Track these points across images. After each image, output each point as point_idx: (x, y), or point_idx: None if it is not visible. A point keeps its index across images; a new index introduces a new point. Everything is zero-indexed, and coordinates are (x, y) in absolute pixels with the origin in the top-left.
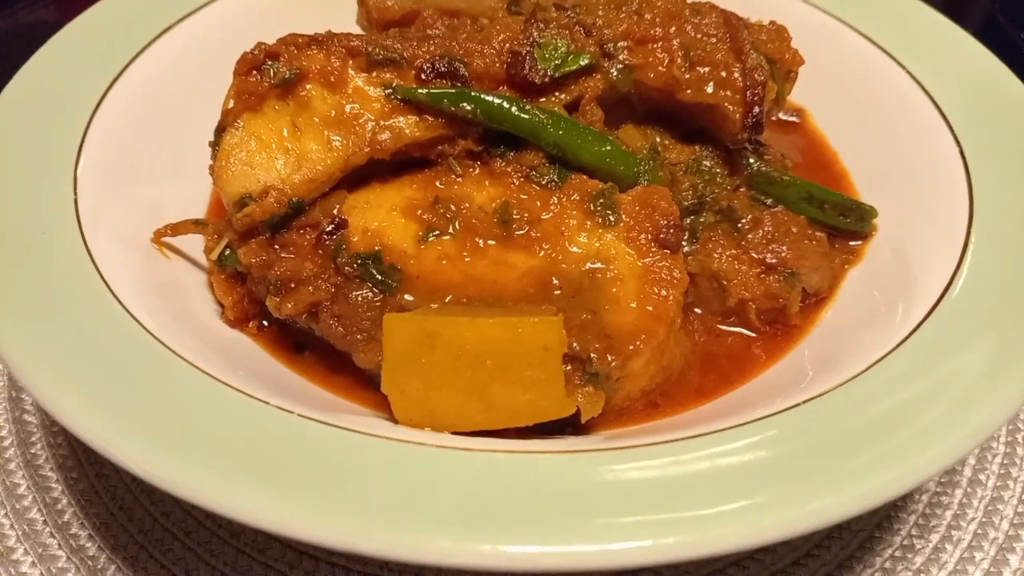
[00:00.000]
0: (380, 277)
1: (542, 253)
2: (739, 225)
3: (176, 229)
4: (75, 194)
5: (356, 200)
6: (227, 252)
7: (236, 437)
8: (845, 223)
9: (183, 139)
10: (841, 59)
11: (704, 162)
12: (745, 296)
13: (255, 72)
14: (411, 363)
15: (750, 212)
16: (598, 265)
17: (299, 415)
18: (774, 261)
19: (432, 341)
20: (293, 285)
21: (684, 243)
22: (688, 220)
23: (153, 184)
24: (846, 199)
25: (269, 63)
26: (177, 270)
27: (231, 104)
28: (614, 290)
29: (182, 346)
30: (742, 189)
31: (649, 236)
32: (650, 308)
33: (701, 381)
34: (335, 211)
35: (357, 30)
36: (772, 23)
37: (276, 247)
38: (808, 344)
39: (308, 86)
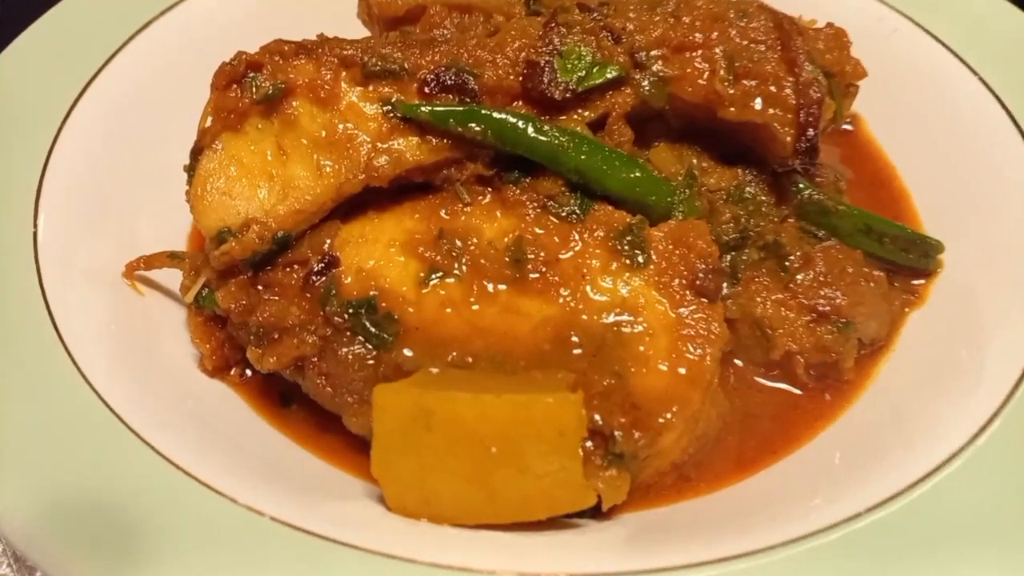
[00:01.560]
0: (374, 330)
1: (560, 301)
2: (786, 263)
3: (150, 263)
4: (35, 223)
5: (350, 232)
6: (205, 292)
7: (194, 550)
8: (907, 259)
9: (161, 156)
10: (902, 60)
11: (747, 189)
12: (792, 348)
13: (235, 86)
14: (404, 443)
15: (799, 247)
16: (624, 317)
17: (270, 518)
18: (827, 308)
19: (428, 419)
20: (276, 335)
21: (723, 286)
22: (728, 257)
23: (126, 208)
24: (909, 232)
25: (251, 75)
26: (151, 309)
27: (208, 122)
28: (642, 348)
29: (140, 418)
30: (790, 220)
31: (683, 282)
32: (684, 370)
33: (740, 448)
34: (325, 246)
35: (357, 24)
36: (829, 26)
37: (258, 287)
38: (864, 405)
39: (295, 102)
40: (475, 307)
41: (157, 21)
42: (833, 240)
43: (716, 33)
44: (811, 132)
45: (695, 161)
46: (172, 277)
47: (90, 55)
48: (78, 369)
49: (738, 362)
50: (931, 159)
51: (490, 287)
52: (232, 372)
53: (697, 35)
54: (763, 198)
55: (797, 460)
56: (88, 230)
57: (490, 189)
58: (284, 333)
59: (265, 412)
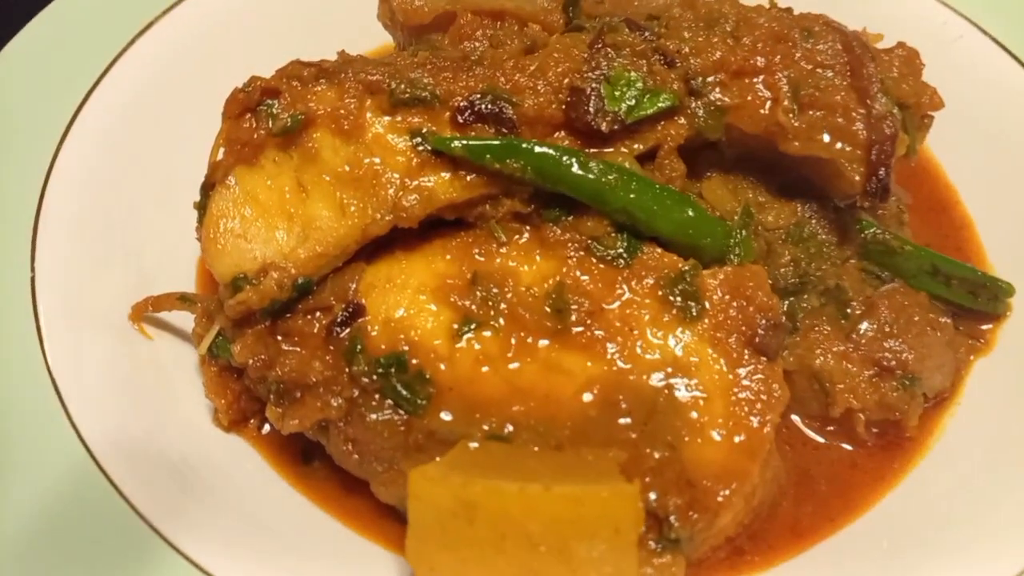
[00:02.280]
0: (405, 392)
1: (606, 357)
2: (848, 311)
3: (159, 304)
4: (32, 265)
5: (376, 275)
6: (219, 340)
7: None
8: (975, 303)
9: (167, 174)
10: (966, 70)
11: (807, 227)
12: (854, 406)
13: (249, 115)
14: (444, 536)
15: (861, 291)
16: (677, 379)
17: None
18: (892, 363)
19: (471, 513)
20: (299, 394)
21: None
22: (786, 304)
23: (130, 237)
24: (979, 274)
25: (266, 103)
26: (161, 354)
27: (220, 155)
28: (696, 414)
29: (148, 501)
30: (851, 261)
31: (741, 338)
32: (741, 439)
33: (795, 515)
34: (349, 292)
35: (376, 26)
36: (900, 47)
37: (277, 337)
38: (928, 465)
39: (316, 134)
40: (513, 364)
41: (158, 23)
42: (897, 282)
43: (780, 56)
44: (882, 172)
45: (751, 195)
46: (185, 317)
47: (86, 63)
48: (81, 440)
49: (794, 417)
50: (996, 182)
51: (529, 340)
52: (251, 423)
53: (759, 59)
54: (824, 237)
55: (857, 530)
56: (90, 266)
57: (528, 227)
58: (306, 392)
59: (285, 470)
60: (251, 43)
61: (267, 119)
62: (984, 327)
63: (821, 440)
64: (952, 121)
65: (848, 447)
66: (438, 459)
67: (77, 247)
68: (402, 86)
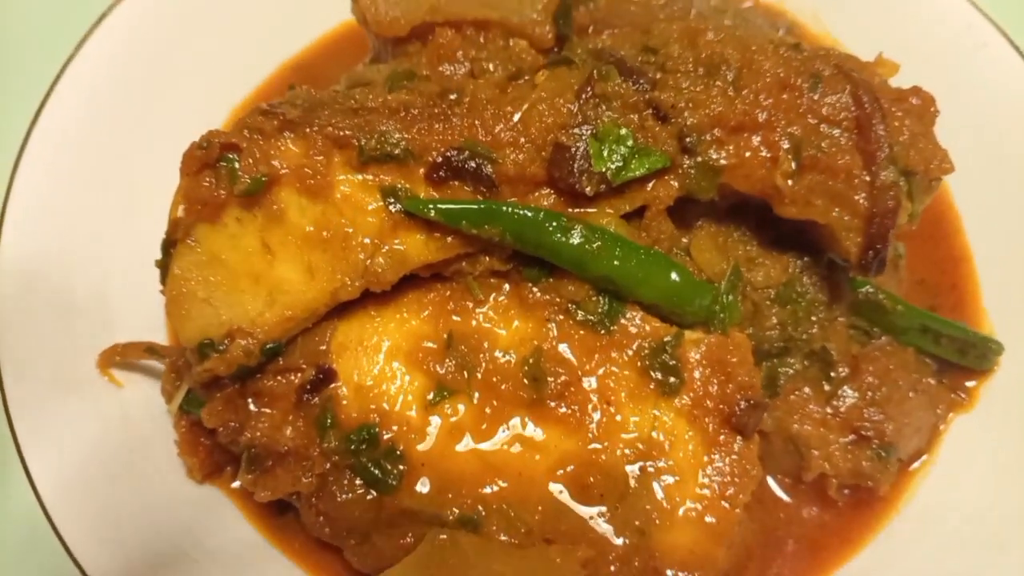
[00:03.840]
0: (376, 472)
1: (581, 432)
2: (831, 374)
3: (126, 353)
4: None
5: (347, 335)
6: (190, 394)
7: None
8: (963, 359)
9: (133, 208)
10: (984, 83)
11: (798, 286)
12: (827, 471)
13: (208, 170)
14: None
15: (848, 348)
16: (651, 459)
17: None
18: (869, 433)
19: None
20: (270, 462)
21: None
22: (768, 363)
23: (93, 280)
24: (969, 333)
25: (227, 158)
26: (130, 404)
27: (180, 212)
28: (667, 497)
29: (97, 550)
30: (840, 319)
31: (719, 416)
32: (711, 521)
33: None
34: (321, 350)
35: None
36: (915, 94)
37: (247, 400)
38: (900, 526)
39: (281, 193)
40: (487, 438)
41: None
42: (885, 339)
43: (783, 109)
44: (880, 246)
45: (742, 250)
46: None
47: (28, 89)
48: (47, 515)
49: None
50: (1003, 211)
51: (504, 411)
52: (227, 471)
53: (759, 112)
54: (814, 296)
55: None
56: (51, 310)
57: (507, 285)
58: (278, 461)
59: (260, 522)
60: (215, 49)
61: (228, 177)
62: (969, 383)
63: (790, 500)
64: (962, 137)
65: (816, 510)
66: (404, 560)
67: (36, 287)
68: (372, 142)
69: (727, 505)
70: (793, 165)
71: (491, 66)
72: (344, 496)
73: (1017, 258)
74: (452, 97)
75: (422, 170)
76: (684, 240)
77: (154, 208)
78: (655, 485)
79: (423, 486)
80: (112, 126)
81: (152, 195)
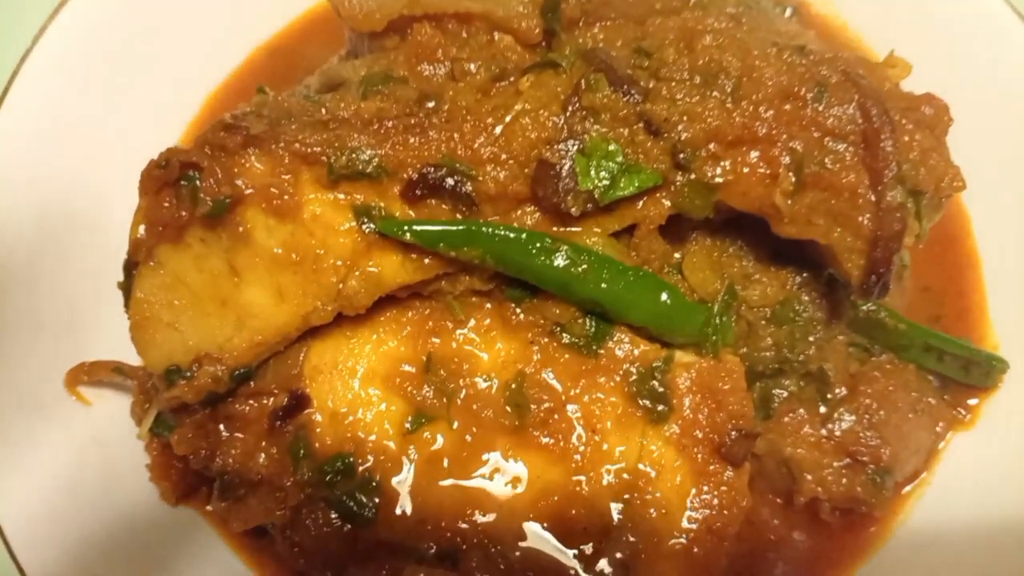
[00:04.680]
0: (351, 505)
1: (566, 462)
2: (828, 395)
3: (93, 372)
4: None
5: (321, 356)
6: (161, 417)
7: None
8: (966, 377)
9: (101, 209)
10: (1002, 78)
11: (795, 304)
12: (820, 495)
13: (168, 190)
14: None
15: (846, 366)
16: (637, 491)
17: None
18: (865, 458)
19: None
20: (243, 491)
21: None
22: (761, 384)
23: (59, 295)
24: (973, 351)
25: (188, 175)
26: (100, 424)
27: (141, 231)
28: (653, 530)
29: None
30: (840, 337)
31: (708, 445)
32: (698, 552)
33: None
34: (293, 374)
35: None
36: (928, 102)
37: (219, 424)
38: (893, 547)
39: (247, 213)
40: (467, 469)
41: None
42: (885, 356)
43: (785, 121)
44: (883, 270)
45: (738, 266)
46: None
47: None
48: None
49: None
50: (1014, 215)
51: (485, 439)
52: (202, 490)
53: (759, 126)
54: (812, 314)
55: None
56: (19, 328)
57: (488, 304)
58: (251, 491)
59: (237, 543)
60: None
61: (189, 197)
62: (971, 401)
63: (781, 522)
64: (978, 134)
65: (807, 532)
66: None
67: (1, 304)
68: (342, 159)
69: (715, 540)
70: (793, 182)
71: (473, 67)
72: (319, 529)
73: None
74: (430, 105)
75: (397, 188)
76: (677, 256)
77: (124, 216)
78: (642, 518)
79: (401, 519)
80: (75, 126)
81: (122, 202)
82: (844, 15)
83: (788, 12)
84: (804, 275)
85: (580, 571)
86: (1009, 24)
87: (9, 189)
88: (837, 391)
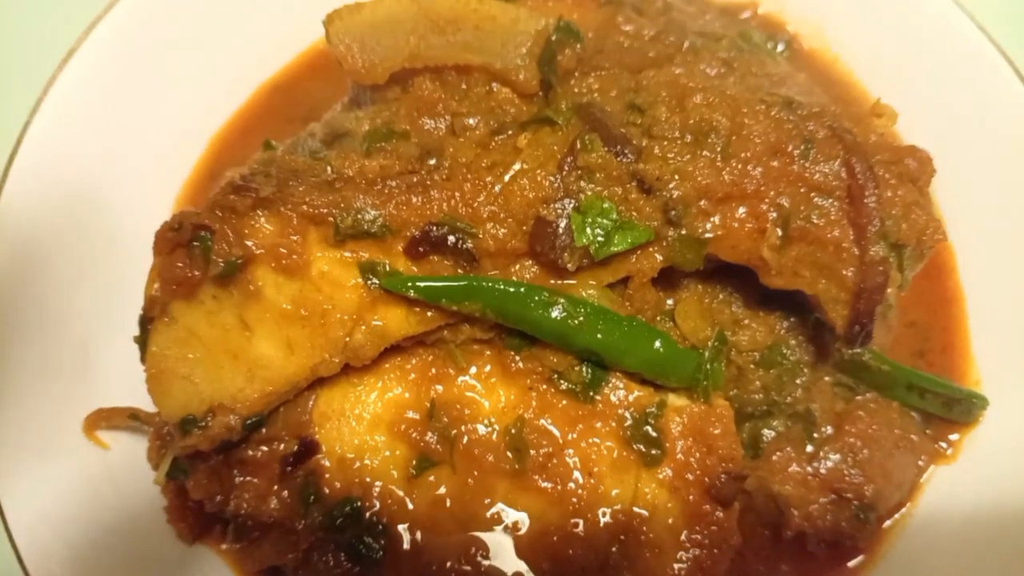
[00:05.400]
0: (360, 548)
1: (564, 504)
2: (815, 435)
3: (110, 418)
4: None
5: (329, 403)
6: (176, 461)
7: None
8: (948, 414)
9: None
10: (991, 115)
11: (783, 348)
12: (806, 528)
13: (181, 250)
14: None
15: (832, 409)
16: (631, 531)
17: None
18: (849, 494)
19: None
20: (256, 534)
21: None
22: (750, 424)
23: (75, 337)
24: (954, 389)
25: (200, 236)
26: (117, 466)
27: (155, 289)
28: (644, 571)
29: None
30: (826, 379)
31: (700, 487)
32: None
33: None
34: (303, 421)
35: None
36: (912, 155)
37: (232, 469)
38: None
39: (257, 272)
40: (469, 506)
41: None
42: (870, 395)
43: (772, 177)
44: (866, 321)
45: (728, 312)
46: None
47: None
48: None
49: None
50: (999, 249)
51: (486, 481)
52: (216, 529)
53: (748, 182)
54: (798, 357)
55: None
56: (37, 372)
57: (489, 352)
58: (264, 533)
59: None
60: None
61: (202, 257)
62: (952, 436)
63: (769, 552)
64: (966, 169)
65: (794, 564)
66: None
67: (18, 348)
68: (348, 220)
69: (706, 575)
70: (781, 236)
71: (472, 121)
72: (329, 571)
73: (1008, 302)
74: (432, 162)
75: (401, 245)
76: (669, 302)
77: (137, 258)
78: (635, 557)
79: (407, 560)
80: (88, 165)
81: (135, 246)
82: (836, 49)
83: (781, 47)
84: (791, 319)
85: None
86: (997, 63)
87: (21, 229)
88: (823, 430)
